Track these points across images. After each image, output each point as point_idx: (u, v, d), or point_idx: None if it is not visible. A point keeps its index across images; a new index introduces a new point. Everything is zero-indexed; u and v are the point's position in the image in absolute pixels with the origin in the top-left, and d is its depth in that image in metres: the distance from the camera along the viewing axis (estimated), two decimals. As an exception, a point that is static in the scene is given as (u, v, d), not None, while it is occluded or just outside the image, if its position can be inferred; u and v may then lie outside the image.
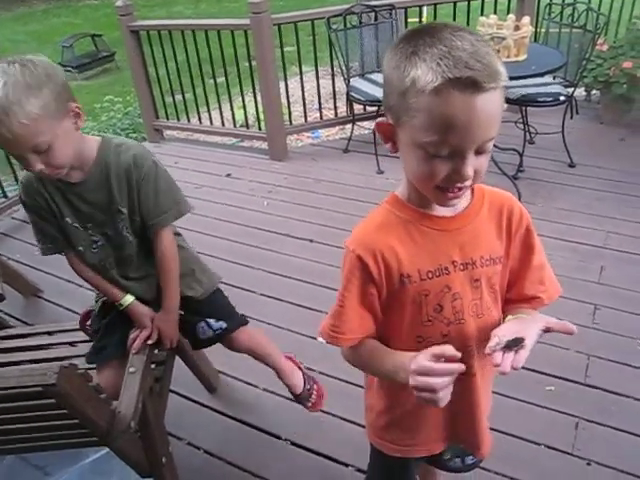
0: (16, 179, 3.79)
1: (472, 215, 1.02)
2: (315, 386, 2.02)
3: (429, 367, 0.88)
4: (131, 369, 1.51)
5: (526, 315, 1.02)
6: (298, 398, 1.99)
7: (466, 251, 1.01)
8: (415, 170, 0.93)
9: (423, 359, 0.89)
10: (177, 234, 1.73)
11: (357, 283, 1.01)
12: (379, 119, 0.96)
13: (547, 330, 0.96)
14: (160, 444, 1.58)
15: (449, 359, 0.89)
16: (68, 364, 1.13)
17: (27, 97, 1.25)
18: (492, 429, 1.98)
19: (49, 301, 2.82)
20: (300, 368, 2.03)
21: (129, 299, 1.64)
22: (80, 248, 1.57)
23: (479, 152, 0.88)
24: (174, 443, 1.87)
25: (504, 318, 1.07)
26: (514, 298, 1.10)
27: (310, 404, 2.00)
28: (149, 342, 1.64)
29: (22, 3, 13.44)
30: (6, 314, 2.61)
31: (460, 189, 0.92)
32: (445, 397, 0.88)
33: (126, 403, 1.40)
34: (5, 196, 3.76)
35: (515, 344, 0.90)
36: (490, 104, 0.84)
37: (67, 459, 1.73)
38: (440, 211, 1.00)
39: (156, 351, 1.70)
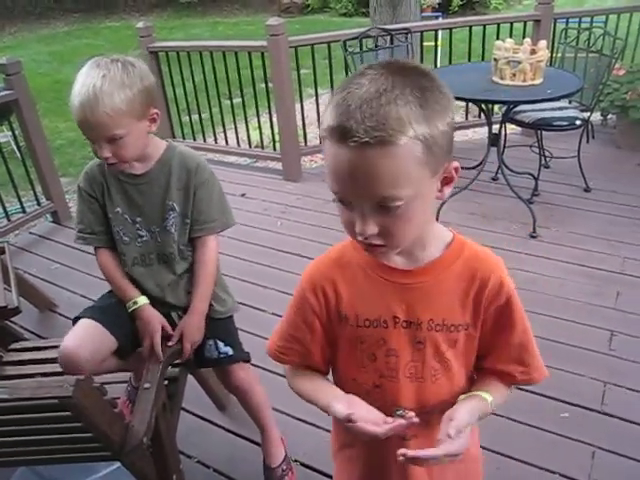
0: (36, 196, 3.82)
1: (434, 272, 0.91)
2: (290, 474, 1.91)
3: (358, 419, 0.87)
4: (145, 385, 1.51)
5: (480, 396, 0.95)
6: (270, 472, 1.89)
7: (414, 309, 0.92)
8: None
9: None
10: None
11: (301, 314, 1.00)
12: None
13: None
14: (171, 461, 1.57)
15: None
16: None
17: (119, 93, 1.40)
18: (505, 455, 1.95)
19: (63, 315, 2.83)
20: (285, 450, 1.94)
21: (143, 300, 1.65)
22: (126, 239, 1.65)
23: (384, 210, 0.78)
24: (184, 460, 1.85)
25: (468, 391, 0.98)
26: (486, 367, 1.00)
27: None
28: (169, 344, 1.65)
29: (45, 25, 13.72)
30: (21, 327, 2.64)
31: (374, 246, 0.83)
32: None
33: (139, 418, 1.39)
34: (24, 211, 3.80)
35: None
36: (373, 160, 0.73)
37: (78, 472, 1.71)
38: (395, 260, 0.91)
39: (170, 367, 1.70)
